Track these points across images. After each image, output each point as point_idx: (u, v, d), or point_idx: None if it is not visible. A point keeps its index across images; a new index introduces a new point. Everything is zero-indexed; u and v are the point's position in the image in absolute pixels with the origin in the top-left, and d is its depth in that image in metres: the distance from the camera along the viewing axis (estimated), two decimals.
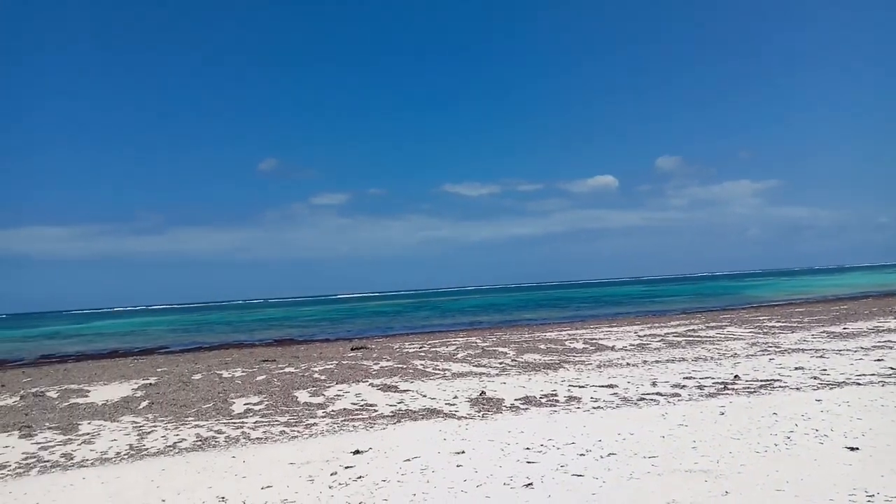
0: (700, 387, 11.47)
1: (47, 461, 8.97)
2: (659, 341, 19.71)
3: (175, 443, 9.61)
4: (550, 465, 7.03)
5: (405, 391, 12.90)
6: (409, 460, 7.65)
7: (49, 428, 11.19)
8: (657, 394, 11.06)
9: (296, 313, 72.24)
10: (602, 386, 12.15)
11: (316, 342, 30.47)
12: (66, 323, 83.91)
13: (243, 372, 17.41)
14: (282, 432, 9.89)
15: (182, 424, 10.91)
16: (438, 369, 15.94)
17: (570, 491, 6.16)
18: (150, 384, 15.93)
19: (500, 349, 19.81)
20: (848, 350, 15.07)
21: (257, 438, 9.58)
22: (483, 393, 12.04)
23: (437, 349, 20.95)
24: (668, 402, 10.32)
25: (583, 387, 12.20)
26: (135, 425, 11.10)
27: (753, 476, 6.24)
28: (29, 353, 34.15)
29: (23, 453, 9.49)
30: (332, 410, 11.38)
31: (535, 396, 11.49)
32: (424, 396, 12.20)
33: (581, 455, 7.38)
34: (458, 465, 7.28)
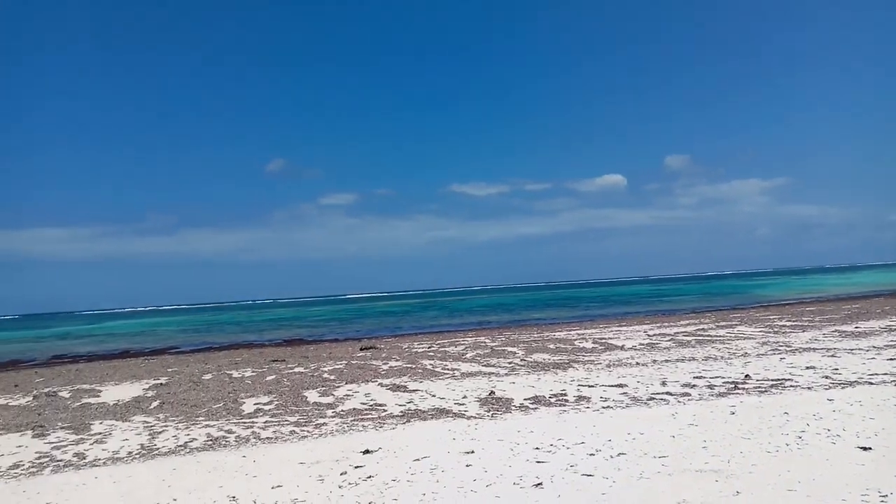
0: (710, 386, 11.42)
1: (60, 460, 9.05)
2: (668, 341, 19.63)
3: (186, 442, 9.66)
4: (560, 465, 7.02)
5: (414, 391, 12.91)
6: (418, 460, 7.66)
7: (62, 427, 11.28)
8: (667, 393, 11.02)
9: (305, 313, 72.46)
10: (612, 385, 12.12)
11: (325, 342, 30.55)
12: (77, 323, 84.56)
13: (253, 372, 17.48)
14: (292, 432, 9.93)
15: (193, 424, 10.98)
16: (447, 369, 15.94)
17: (580, 491, 6.15)
18: (161, 384, 16.02)
19: (509, 349, 19.79)
20: (860, 349, 14.96)
21: (267, 438, 9.62)
22: (492, 393, 12.04)
23: (446, 349, 20.96)
24: (679, 401, 10.28)
25: (592, 386, 12.18)
26: (146, 425, 11.17)
27: (765, 476, 6.21)
28: (41, 353, 34.44)
29: (36, 452, 9.57)
30: (342, 410, 11.41)
31: (544, 396, 11.47)
32: (434, 396, 12.22)
33: (591, 455, 7.36)
34: (467, 465, 7.29)
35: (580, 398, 11.10)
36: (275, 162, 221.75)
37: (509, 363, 16.48)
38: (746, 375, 12.20)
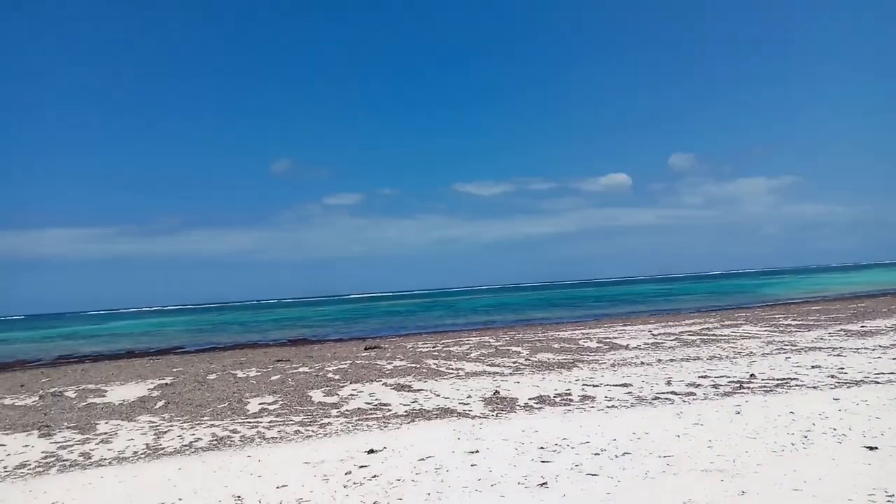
0: (715, 386, 11.38)
1: (66, 460, 9.08)
2: (673, 340, 19.58)
3: (191, 442, 9.69)
4: (565, 465, 7.01)
5: (419, 390, 12.91)
6: (423, 459, 7.66)
7: (68, 427, 11.32)
8: (672, 393, 10.99)
9: (309, 313, 72.56)
10: (616, 385, 12.09)
11: (329, 342, 30.58)
12: (82, 323, 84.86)
13: (258, 372, 17.51)
14: (296, 432, 9.94)
15: (198, 424, 11.00)
16: (452, 369, 15.94)
17: (585, 490, 6.14)
18: (166, 384, 16.07)
19: (514, 348, 19.78)
20: (866, 348, 14.90)
21: (272, 438, 9.64)
22: (497, 392, 12.03)
23: (451, 348, 20.96)
24: (684, 401, 10.26)
25: (597, 386, 12.16)
26: (151, 425, 11.20)
27: (770, 476, 6.18)
28: (47, 353, 34.58)
29: (42, 452, 9.61)
30: (347, 410, 11.42)
31: (549, 395, 11.46)
32: (438, 396, 12.21)
33: (596, 454, 7.35)
34: (472, 465, 7.29)
35: (585, 398, 11.08)
36: (280, 162, 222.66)
37: (514, 363, 16.47)
38: (752, 375, 12.16)
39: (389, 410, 11.12)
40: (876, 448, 6.86)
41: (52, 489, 7.60)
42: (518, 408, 10.62)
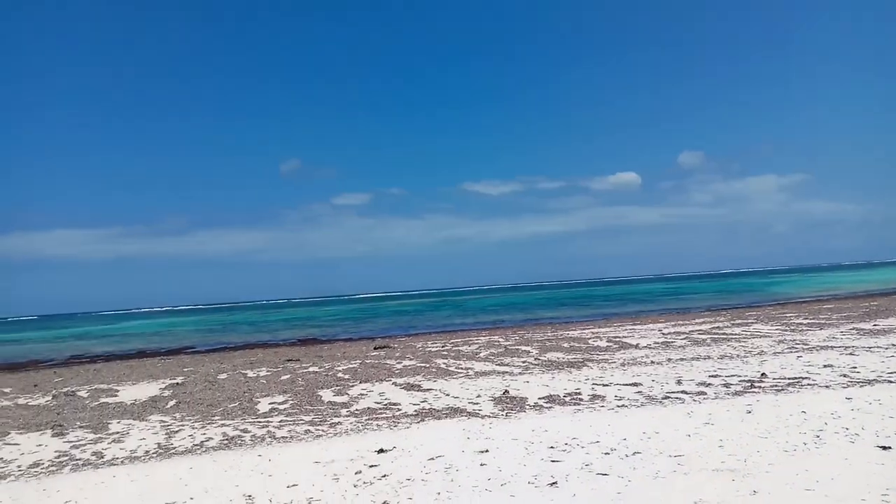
0: (726, 385, 11.33)
1: (79, 459, 9.16)
2: (684, 339, 19.50)
3: (202, 441, 9.74)
4: (575, 464, 7.00)
5: (428, 390, 12.93)
6: (433, 459, 7.67)
7: (80, 427, 11.41)
8: (682, 392, 10.95)
9: (318, 313, 72.75)
10: (626, 384, 12.06)
11: (339, 342, 30.66)
12: (94, 324, 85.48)
13: (268, 371, 17.58)
14: (307, 431, 9.97)
15: (209, 423, 11.06)
16: (461, 368, 15.95)
17: (596, 490, 6.13)
18: (178, 384, 16.16)
19: (523, 348, 19.75)
20: (879, 347, 14.78)
21: (283, 437, 9.68)
22: (506, 392, 12.02)
23: (460, 348, 20.96)
24: (694, 400, 10.22)
25: (607, 385, 12.12)
26: (163, 424, 11.27)
27: (782, 475, 6.15)
28: (59, 353, 34.87)
29: (56, 451, 9.69)
30: (356, 409, 11.45)
31: (558, 395, 11.44)
32: (448, 395, 12.22)
33: (606, 454, 7.33)
34: (482, 464, 7.29)
35: (595, 397, 11.05)
36: (289, 162, 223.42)
37: (523, 362, 16.45)
38: (763, 374, 12.09)
39: (399, 410, 11.14)
40: (889, 448, 6.80)
41: (65, 488, 7.66)
42: (528, 407, 10.61)
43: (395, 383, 13.96)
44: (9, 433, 11.20)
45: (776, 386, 10.91)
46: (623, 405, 10.21)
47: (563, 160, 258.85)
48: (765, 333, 19.58)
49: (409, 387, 13.42)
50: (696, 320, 26.97)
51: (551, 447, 7.80)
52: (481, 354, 18.66)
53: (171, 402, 13.39)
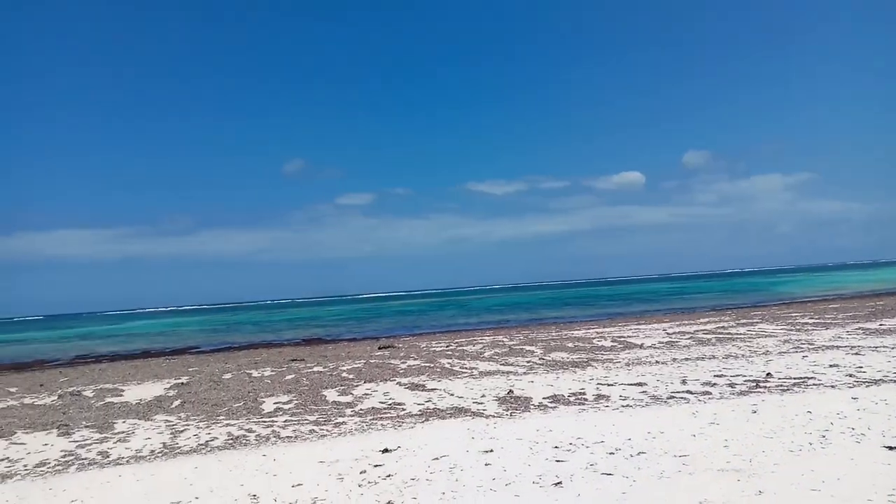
0: (731, 385, 11.30)
1: (85, 459, 9.19)
2: (688, 339, 19.46)
3: (207, 441, 9.76)
4: (580, 464, 6.99)
5: (433, 390, 12.93)
6: (437, 459, 7.67)
7: (86, 426, 11.45)
8: (687, 392, 10.93)
9: (322, 313, 72.85)
10: (631, 384, 12.04)
11: (343, 341, 30.69)
12: (99, 324, 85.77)
13: (272, 371, 17.61)
14: (311, 431, 9.99)
15: (214, 423, 11.08)
16: (466, 368, 15.94)
17: (600, 490, 6.12)
18: (182, 384, 16.20)
19: (528, 348, 19.74)
20: (885, 347, 14.72)
21: (287, 437, 9.69)
22: (511, 391, 12.02)
23: (464, 348, 20.96)
24: (699, 400, 10.19)
25: (611, 385, 12.11)
26: (168, 424, 11.30)
27: (788, 475, 6.13)
28: (65, 353, 35.00)
29: (61, 451, 9.73)
30: (361, 409, 11.45)
31: (563, 395, 11.43)
32: (452, 395, 12.22)
33: (611, 454, 7.32)
34: (486, 464, 7.28)
35: (599, 397, 11.04)
36: (292, 162, 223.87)
37: (528, 362, 16.44)
38: (768, 374, 12.06)
39: (403, 410, 11.14)
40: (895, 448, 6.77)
41: (71, 487, 7.69)
42: (532, 407, 10.61)
43: (399, 383, 13.97)
44: (15, 433, 11.25)
45: (782, 386, 10.88)
46: (628, 405, 10.19)
47: (567, 160, 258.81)
48: (770, 333, 19.52)
49: (414, 386, 13.42)
50: (701, 320, 26.91)
51: (556, 447, 7.79)
52: (485, 354, 18.65)
53: (176, 402, 13.42)
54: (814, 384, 10.81)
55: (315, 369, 17.42)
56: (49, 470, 8.70)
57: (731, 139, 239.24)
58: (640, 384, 11.96)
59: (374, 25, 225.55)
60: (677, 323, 26.14)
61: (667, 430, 8.23)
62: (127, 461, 8.89)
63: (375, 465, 7.59)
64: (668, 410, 9.55)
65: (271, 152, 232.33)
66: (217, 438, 9.90)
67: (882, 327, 18.89)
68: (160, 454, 9.18)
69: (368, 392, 13.11)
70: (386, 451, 8.22)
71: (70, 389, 16.32)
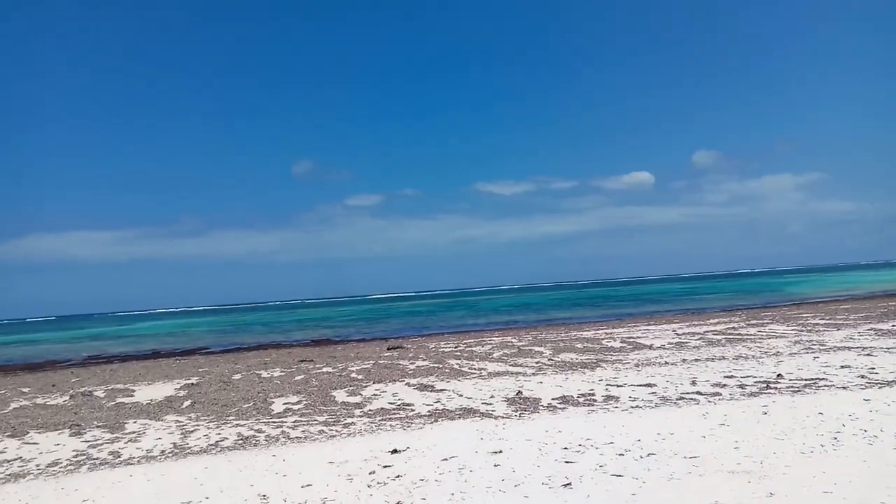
0: (742, 386, 11.24)
1: (96, 458, 9.25)
2: (698, 340, 19.37)
3: (217, 441, 9.81)
4: (589, 465, 6.97)
5: (442, 390, 12.93)
6: (446, 459, 7.67)
7: (97, 426, 11.53)
8: (697, 393, 10.87)
9: (331, 314, 73.02)
10: (640, 385, 11.99)
11: (352, 342, 30.75)
12: (110, 324, 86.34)
13: (282, 372, 17.67)
14: (320, 431, 10.01)
15: (223, 423, 11.13)
16: (474, 369, 15.94)
17: (610, 491, 6.10)
18: (193, 384, 16.28)
19: (536, 348, 19.71)
20: None
21: (297, 437, 9.72)
22: (520, 392, 12.00)
23: (473, 349, 20.95)
24: (709, 401, 10.14)
25: (621, 386, 12.07)
26: (178, 424, 11.36)
27: (799, 477, 6.09)
28: (76, 353, 35.27)
29: (73, 451, 9.80)
30: (370, 410, 11.47)
31: (572, 396, 11.40)
32: (461, 396, 12.22)
33: (620, 455, 7.30)
34: (495, 465, 7.28)
35: (609, 398, 11.01)
36: (302, 164, 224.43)
37: (536, 363, 16.41)
38: (779, 375, 11.98)
39: (412, 410, 11.15)
40: None
41: (82, 487, 7.75)
42: (541, 408, 10.59)
43: (408, 384, 13.98)
44: (28, 432, 11.35)
45: (792, 387, 10.81)
46: (637, 406, 10.15)
47: (575, 160, 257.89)
48: (780, 334, 19.40)
49: (423, 387, 13.43)
50: (711, 321, 26.77)
51: (565, 448, 7.77)
52: (494, 355, 18.64)
53: (187, 403, 13.49)
54: (825, 385, 10.73)
55: (324, 370, 17.47)
56: (61, 469, 8.77)
57: (741, 139, 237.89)
58: (649, 385, 11.91)
59: (384, 28, 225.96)
60: (687, 324, 26.02)
61: (677, 432, 8.20)
62: (138, 461, 8.95)
63: (385, 466, 7.61)
64: (677, 411, 9.51)
65: (281, 154, 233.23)
66: (227, 439, 9.94)
67: (895, 328, 18.72)
68: (171, 454, 9.23)
69: (377, 393, 13.13)
70: (395, 451, 8.23)
71: (81, 390, 16.44)
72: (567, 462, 7.18)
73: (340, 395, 13.09)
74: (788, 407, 9.20)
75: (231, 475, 7.77)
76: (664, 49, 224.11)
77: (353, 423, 10.42)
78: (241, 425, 10.88)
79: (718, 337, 19.72)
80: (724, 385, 11.42)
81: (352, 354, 21.83)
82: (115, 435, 10.79)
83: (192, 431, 10.68)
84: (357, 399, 12.59)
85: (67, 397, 15.37)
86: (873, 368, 12.01)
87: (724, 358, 14.94)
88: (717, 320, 26.75)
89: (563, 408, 10.47)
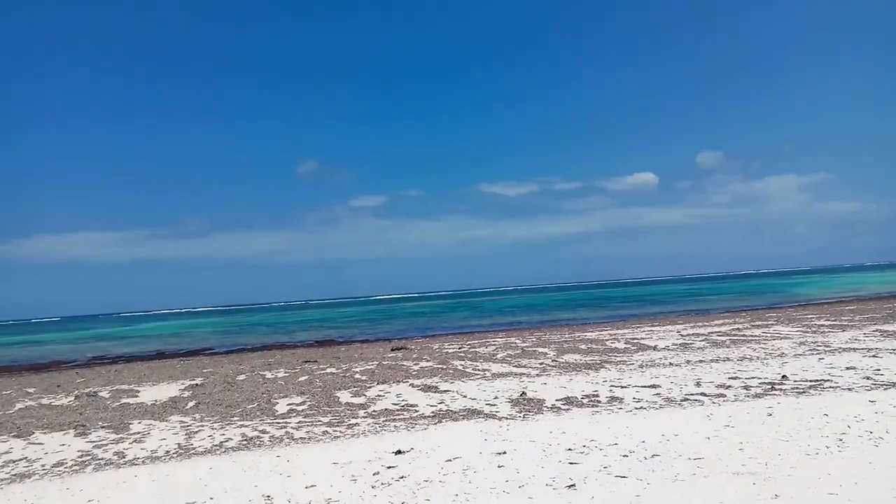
0: (746, 387, 11.21)
1: (101, 459, 9.28)
2: (702, 341, 19.32)
3: (221, 442, 9.83)
4: (593, 467, 6.96)
5: (445, 391, 12.93)
6: (450, 460, 7.67)
7: (102, 427, 11.56)
8: (701, 394, 10.85)
9: (335, 314, 73.09)
10: (644, 386, 11.98)
11: (356, 343, 30.77)
12: (114, 325, 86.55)
13: (286, 373, 17.69)
14: (324, 432, 10.02)
15: (228, 424, 11.16)
16: (478, 370, 15.93)
17: (614, 493, 6.09)
18: (197, 385, 16.32)
19: (540, 349, 19.69)
20: None
21: (301, 438, 9.73)
22: (524, 393, 11.99)
23: (477, 349, 20.94)
24: (713, 402, 10.12)
25: (625, 387, 12.05)
26: (183, 425, 11.39)
27: (804, 479, 6.07)
28: (81, 354, 35.37)
29: (78, 451, 9.83)
30: (374, 411, 11.48)
31: (576, 397, 11.39)
32: (465, 397, 12.22)
33: (624, 456, 7.29)
34: (499, 466, 7.28)
35: (613, 399, 10.99)
36: (306, 165, 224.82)
37: (540, 364, 16.40)
38: (784, 376, 11.95)
39: (416, 411, 11.15)
40: None
41: (87, 487, 7.77)
42: (545, 409, 10.58)
43: (412, 385, 13.99)
44: (33, 433, 11.39)
45: (797, 388, 10.78)
46: (641, 407, 10.14)
47: (579, 161, 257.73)
48: (785, 335, 19.34)
49: (427, 388, 13.43)
50: (715, 322, 26.71)
51: (569, 449, 7.77)
52: (498, 356, 18.63)
53: (191, 403, 13.52)
54: (830, 387, 10.70)
55: (328, 371, 17.48)
56: (66, 470, 8.79)
57: (744, 139, 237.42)
58: (653, 386, 11.89)
59: (388, 29, 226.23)
60: (691, 325, 25.97)
61: (681, 433, 8.18)
62: (142, 461, 8.97)
63: (388, 467, 7.61)
64: (682, 413, 9.50)
65: (285, 154, 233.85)
66: (231, 439, 9.96)
67: None
68: (175, 455, 9.25)
69: (381, 394, 13.14)
70: (399, 452, 8.23)
71: (86, 390, 16.49)
72: (571, 463, 7.17)
73: (344, 396, 13.10)
74: (793, 408, 9.18)
75: (235, 476, 7.79)
76: (668, 49, 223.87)
77: (356, 424, 10.43)
78: (246, 426, 10.90)
79: (723, 338, 19.67)
80: (729, 386, 11.40)
81: (355, 355, 21.84)
82: (119, 435, 10.82)
83: (196, 432, 10.70)
84: (361, 400, 12.60)
85: (72, 398, 15.42)
86: (879, 370, 11.97)
87: (728, 359, 14.91)
88: (721, 321, 26.68)
89: (567, 409, 10.46)
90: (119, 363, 27.37)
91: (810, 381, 11.35)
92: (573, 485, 6.40)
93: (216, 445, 9.64)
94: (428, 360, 18.42)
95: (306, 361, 20.43)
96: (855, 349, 15.04)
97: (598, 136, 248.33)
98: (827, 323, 22.28)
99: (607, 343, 20.42)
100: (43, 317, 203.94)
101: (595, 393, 11.62)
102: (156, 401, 14.14)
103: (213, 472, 8.01)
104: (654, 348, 18.24)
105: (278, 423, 10.99)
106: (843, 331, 19.37)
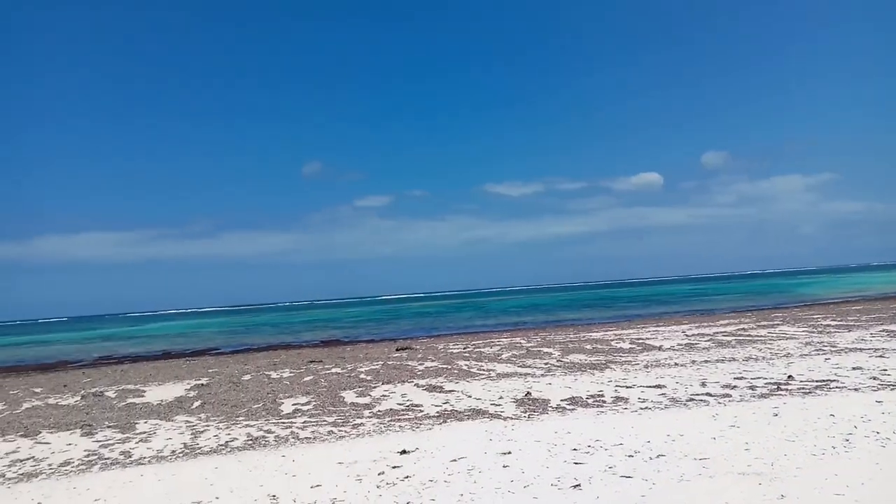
0: (752, 387, 11.18)
1: (107, 458, 9.32)
2: (708, 341, 19.27)
3: (227, 442, 9.85)
4: (598, 467, 6.96)
5: (450, 391, 12.94)
6: (455, 460, 7.68)
7: (108, 426, 11.61)
8: (707, 394, 10.83)
9: (341, 315, 73.18)
10: (650, 386, 11.95)
11: (361, 343, 30.80)
12: (121, 325, 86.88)
13: (291, 373, 17.73)
14: (329, 432, 10.04)
15: (233, 424, 11.19)
16: (483, 370, 15.93)
17: (619, 493, 6.08)
18: (202, 385, 16.37)
19: (545, 349, 19.68)
20: None
21: (306, 438, 9.75)
22: (528, 393, 11.99)
23: (482, 350, 20.94)
24: (719, 402, 10.09)
25: (630, 387, 12.03)
26: (188, 424, 11.43)
27: (810, 479, 6.05)
28: (88, 354, 35.53)
29: (85, 450, 9.88)
30: (379, 411, 11.49)
31: (581, 397, 11.38)
32: (470, 397, 12.22)
33: (629, 456, 7.28)
34: (504, 466, 7.28)
35: (618, 399, 10.98)
36: (311, 165, 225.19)
37: (545, 364, 16.39)
38: (789, 376, 11.91)
39: (421, 411, 11.16)
40: None
41: (94, 486, 7.81)
42: (550, 409, 10.57)
43: (417, 385, 14.00)
44: (40, 432, 11.44)
45: (803, 388, 10.74)
46: (646, 407, 10.12)
47: (584, 161, 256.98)
48: (791, 335, 19.27)
49: (432, 388, 13.44)
50: (721, 322, 26.64)
51: (574, 449, 7.76)
52: (503, 356, 18.62)
53: (197, 403, 13.56)
54: (836, 387, 10.66)
55: (333, 371, 17.51)
56: (73, 469, 8.84)
57: (750, 139, 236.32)
58: (658, 386, 11.87)
59: (392, 29, 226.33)
60: (696, 325, 25.91)
61: (686, 433, 8.17)
62: (149, 461, 9.00)
63: (394, 467, 7.62)
64: (687, 413, 9.48)
65: (289, 155, 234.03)
66: (237, 439, 9.99)
67: None
68: (181, 454, 9.28)
69: (386, 393, 13.15)
70: (404, 452, 8.24)
71: (93, 390, 16.56)
72: (576, 463, 7.16)
73: (349, 396, 13.12)
74: (799, 409, 9.15)
75: (241, 475, 7.81)
76: (673, 49, 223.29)
77: (362, 424, 10.45)
78: (251, 426, 10.93)
79: (728, 338, 19.62)
80: (735, 386, 11.37)
81: (361, 355, 21.87)
82: (126, 435, 10.86)
83: (202, 432, 10.73)
84: (366, 400, 12.61)
85: (79, 397, 15.49)
86: (885, 370, 11.91)
87: (734, 359, 14.86)
88: (726, 321, 26.61)
89: (573, 409, 10.45)
90: (125, 363, 27.47)
91: (816, 381, 11.31)
92: (578, 485, 6.40)
93: (222, 445, 9.67)
94: (433, 360, 18.43)
95: (311, 361, 20.47)
96: (861, 349, 14.98)
97: (602, 136, 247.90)
98: (833, 323, 22.19)
99: (612, 343, 20.39)
100: (49, 317, 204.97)
101: (600, 393, 11.61)
102: (162, 401, 14.19)
103: (219, 472, 8.04)
104: (660, 348, 18.21)
105: (283, 422, 11.02)
106: (850, 331, 19.29)
